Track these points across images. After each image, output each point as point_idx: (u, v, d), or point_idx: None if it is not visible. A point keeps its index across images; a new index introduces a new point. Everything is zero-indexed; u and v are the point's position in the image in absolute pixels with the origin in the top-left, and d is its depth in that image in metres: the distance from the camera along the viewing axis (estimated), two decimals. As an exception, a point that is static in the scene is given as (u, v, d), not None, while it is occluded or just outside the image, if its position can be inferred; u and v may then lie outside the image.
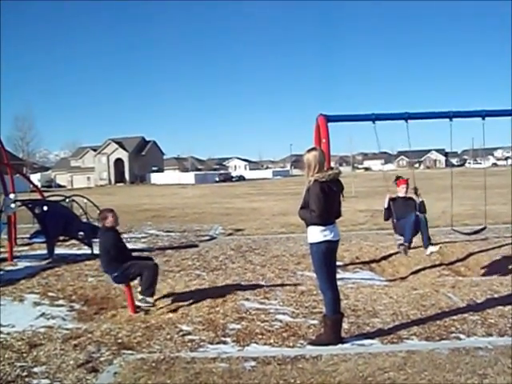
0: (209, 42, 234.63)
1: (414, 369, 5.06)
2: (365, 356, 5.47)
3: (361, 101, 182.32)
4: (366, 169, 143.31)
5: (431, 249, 9.62)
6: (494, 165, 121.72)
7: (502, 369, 4.99)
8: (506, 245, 11.44)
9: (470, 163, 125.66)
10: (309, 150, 6.06)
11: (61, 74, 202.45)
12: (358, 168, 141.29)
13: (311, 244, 6.02)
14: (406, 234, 9.57)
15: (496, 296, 7.64)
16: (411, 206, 9.73)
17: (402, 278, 9.62)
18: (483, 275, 9.46)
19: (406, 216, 9.55)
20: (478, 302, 7.41)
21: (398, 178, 10.09)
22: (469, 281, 8.75)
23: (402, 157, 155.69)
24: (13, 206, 11.92)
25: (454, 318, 6.71)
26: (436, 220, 16.76)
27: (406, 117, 9.60)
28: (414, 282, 9.12)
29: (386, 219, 10.12)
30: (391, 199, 9.91)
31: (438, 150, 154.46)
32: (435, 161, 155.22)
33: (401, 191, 10.01)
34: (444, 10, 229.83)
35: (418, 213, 9.51)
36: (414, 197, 9.82)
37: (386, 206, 9.94)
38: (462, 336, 6.09)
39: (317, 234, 5.90)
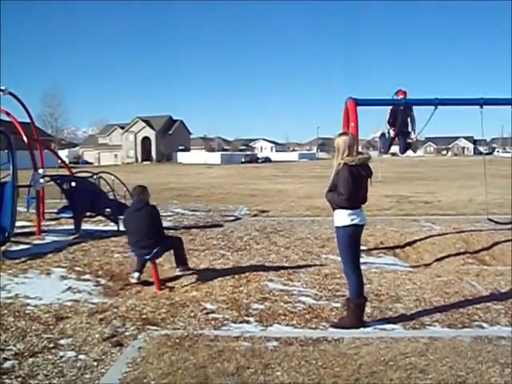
0: (237, 24, 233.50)
1: (435, 355, 5.07)
2: (387, 340, 5.50)
3: (388, 85, 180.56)
4: (393, 154, 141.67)
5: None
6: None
7: (524, 359, 4.99)
8: (533, 235, 11.32)
9: (498, 151, 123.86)
10: (340, 134, 6.07)
11: (91, 51, 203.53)
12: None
13: (338, 227, 6.04)
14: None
15: (521, 286, 7.60)
16: (409, 114, 10.61)
17: (426, 265, 9.59)
18: (508, 265, 9.38)
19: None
20: (502, 291, 7.38)
21: (398, 90, 10.51)
22: (493, 270, 8.71)
23: (430, 143, 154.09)
24: (41, 180, 12.06)
25: (478, 306, 6.70)
26: (463, 208, 16.69)
27: (437, 103, 9.55)
28: (438, 269, 9.10)
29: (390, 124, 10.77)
30: (393, 109, 10.63)
31: (466, 138, 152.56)
32: (463, 148, 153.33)
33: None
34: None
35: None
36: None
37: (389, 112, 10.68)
38: (484, 325, 6.08)
39: (344, 217, 5.93)
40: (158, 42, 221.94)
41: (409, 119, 10.71)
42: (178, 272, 8.31)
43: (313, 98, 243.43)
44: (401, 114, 10.63)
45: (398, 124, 10.64)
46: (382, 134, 11.04)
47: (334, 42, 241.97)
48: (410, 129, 10.73)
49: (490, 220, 10.94)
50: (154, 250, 7.78)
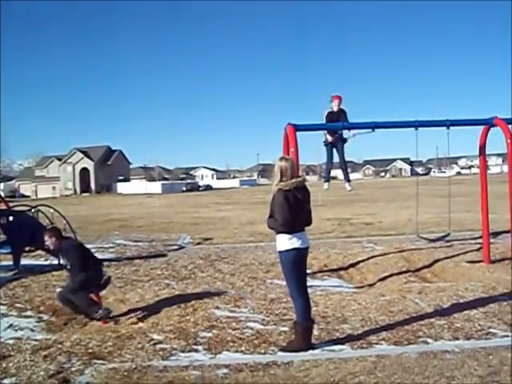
0: (175, 50, 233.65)
1: (383, 372, 5.15)
2: (335, 361, 5.55)
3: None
4: (333, 177, 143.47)
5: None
6: (458, 173, 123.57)
7: (468, 371, 5.12)
8: (471, 251, 11.66)
9: (434, 172, 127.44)
10: (279, 159, 6.14)
11: (25, 82, 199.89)
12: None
13: (280, 252, 6.08)
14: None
15: (461, 301, 7.79)
16: (341, 118, 10.75)
17: (370, 285, 9.73)
18: (449, 281, 9.62)
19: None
20: (445, 307, 7.54)
21: (332, 96, 11.03)
22: (435, 287, 8.90)
23: (368, 166, 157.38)
24: (-23, 216, 11.75)
25: (422, 322, 6.83)
26: (402, 228, 17.05)
27: (373, 126, 9.77)
28: (381, 288, 9.24)
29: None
30: (329, 112, 10.94)
31: (403, 159, 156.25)
32: (400, 170, 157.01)
33: (335, 106, 10.92)
34: (420, 19, 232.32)
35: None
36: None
37: (325, 116, 10.95)
38: (429, 340, 6.21)
39: (284, 242, 5.98)
40: (93, 70, 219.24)
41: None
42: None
43: (252, 124, 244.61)
44: (335, 116, 10.90)
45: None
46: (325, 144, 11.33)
47: (274, 66, 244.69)
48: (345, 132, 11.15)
49: (421, 237, 11.22)
50: None
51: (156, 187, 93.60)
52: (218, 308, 7.90)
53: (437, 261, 11.13)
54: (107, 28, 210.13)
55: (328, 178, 11.93)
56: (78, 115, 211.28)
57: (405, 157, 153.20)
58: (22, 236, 11.72)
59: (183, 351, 6.15)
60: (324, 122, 10.96)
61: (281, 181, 5.94)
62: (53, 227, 8.26)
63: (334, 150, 11.31)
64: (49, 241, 7.82)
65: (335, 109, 10.92)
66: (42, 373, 5.59)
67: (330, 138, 10.99)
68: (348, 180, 11.89)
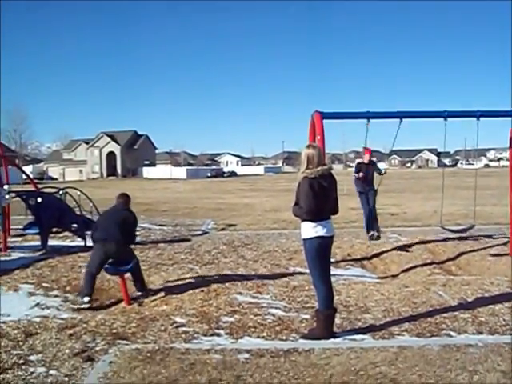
0: (202, 38, 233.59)
1: (405, 364, 5.14)
2: (357, 350, 5.55)
3: (355, 98, 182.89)
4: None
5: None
6: (487, 166, 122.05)
7: (491, 366, 5.08)
8: (497, 245, 11.56)
9: (462, 163, 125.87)
10: (306, 147, 6.13)
11: (54, 66, 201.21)
12: (350, 166, 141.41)
13: (304, 240, 6.08)
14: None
15: (486, 295, 7.72)
16: (370, 168, 12.44)
17: (394, 276, 9.70)
18: (474, 274, 9.55)
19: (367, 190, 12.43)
20: (469, 300, 7.49)
21: (364, 148, 12.36)
22: (460, 279, 8.84)
23: (395, 156, 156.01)
24: (7, 197, 11.92)
25: (445, 315, 6.79)
26: (427, 219, 16.93)
27: (401, 115, 9.65)
28: (405, 279, 9.20)
29: (357, 172, 12.50)
30: (359, 163, 12.92)
31: (430, 150, 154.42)
32: (427, 160, 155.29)
33: (366, 158, 12.45)
34: (439, 8, 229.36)
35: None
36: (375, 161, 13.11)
37: (355, 165, 13.05)
38: (452, 333, 6.17)
39: (309, 229, 5.97)
40: (120, 56, 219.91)
41: (374, 171, 12.57)
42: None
43: (278, 111, 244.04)
44: (364, 167, 12.34)
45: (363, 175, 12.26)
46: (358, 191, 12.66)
47: (300, 54, 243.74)
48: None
49: (444, 228, 11.12)
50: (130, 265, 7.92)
51: (181, 172, 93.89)
52: (240, 293, 7.94)
53: (462, 254, 11.05)
54: (135, 13, 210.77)
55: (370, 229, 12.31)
56: (105, 99, 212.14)
57: (432, 147, 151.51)
58: (50, 217, 11.90)
59: (205, 335, 6.20)
60: (354, 170, 12.64)
61: (307, 168, 5.93)
62: (123, 193, 9.14)
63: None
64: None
65: (366, 161, 12.41)
66: (67, 351, 5.69)
67: (360, 175, 12.24)
68: (378, 230, 12.21)
